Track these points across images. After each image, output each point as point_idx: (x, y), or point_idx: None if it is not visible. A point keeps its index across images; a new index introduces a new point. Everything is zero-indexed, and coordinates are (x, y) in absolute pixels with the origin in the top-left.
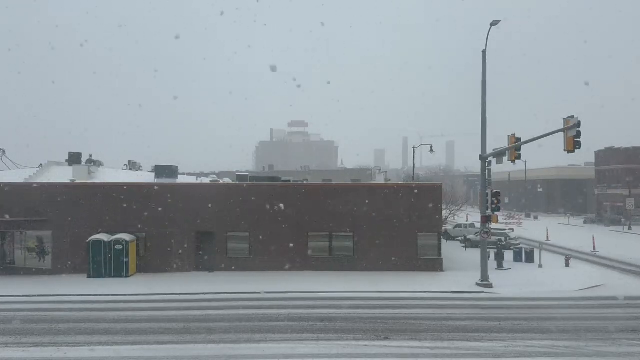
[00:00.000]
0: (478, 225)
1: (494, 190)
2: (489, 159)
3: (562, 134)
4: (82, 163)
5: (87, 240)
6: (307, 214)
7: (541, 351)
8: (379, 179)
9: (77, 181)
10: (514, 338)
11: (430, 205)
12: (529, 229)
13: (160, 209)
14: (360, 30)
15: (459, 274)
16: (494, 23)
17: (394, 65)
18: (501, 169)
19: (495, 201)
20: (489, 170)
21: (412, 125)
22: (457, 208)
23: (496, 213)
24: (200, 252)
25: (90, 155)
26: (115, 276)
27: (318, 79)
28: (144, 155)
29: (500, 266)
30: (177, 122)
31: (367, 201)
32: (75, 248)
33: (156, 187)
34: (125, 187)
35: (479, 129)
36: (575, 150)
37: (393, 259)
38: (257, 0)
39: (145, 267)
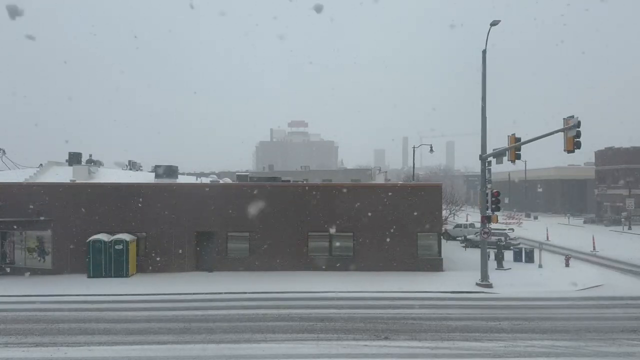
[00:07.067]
0: (478, 225)
1: (494, 190)
2: (489, 159)
3: (562, 134)
4: (82, 163)
5: (87, 240)
6: (307, 214)
7: (541, 351)
8: (379, 179)
9: (77, 181)
10: (514, 338)
11: (430, 205)
12: (529, 228)
13: (160, 209)
14: (360, 32)
15: (459, 274)
16: (494, 23)
17: (394, 66)
18: (501, 169)
19: (495, 201)
20: (489, 170)
21: (412, 125)
22: (457, 208)
23: (496, 213)
24: (200, 252)
25: (90, 156)
26: (115, 276)
27: (318, 79)
28: (144, 155)
29: (500, 266)
30: (177, 122)
31: (367, 201)
32: (75, 248)
33: (156, 187)
34: (125, 187)
35: (479, 129)
36: (575, 150)
37: (393, 258)
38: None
39: (145, 267)
